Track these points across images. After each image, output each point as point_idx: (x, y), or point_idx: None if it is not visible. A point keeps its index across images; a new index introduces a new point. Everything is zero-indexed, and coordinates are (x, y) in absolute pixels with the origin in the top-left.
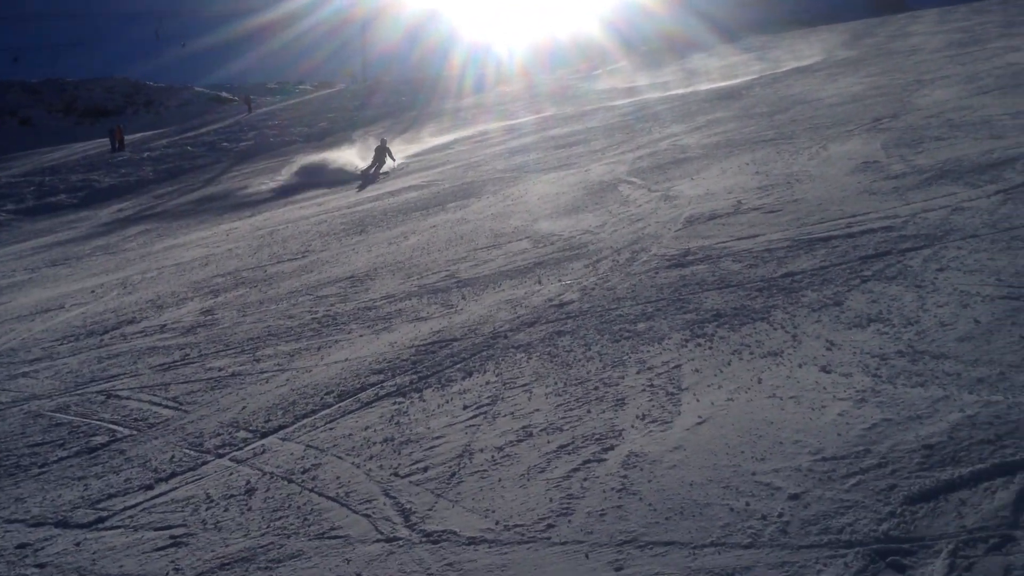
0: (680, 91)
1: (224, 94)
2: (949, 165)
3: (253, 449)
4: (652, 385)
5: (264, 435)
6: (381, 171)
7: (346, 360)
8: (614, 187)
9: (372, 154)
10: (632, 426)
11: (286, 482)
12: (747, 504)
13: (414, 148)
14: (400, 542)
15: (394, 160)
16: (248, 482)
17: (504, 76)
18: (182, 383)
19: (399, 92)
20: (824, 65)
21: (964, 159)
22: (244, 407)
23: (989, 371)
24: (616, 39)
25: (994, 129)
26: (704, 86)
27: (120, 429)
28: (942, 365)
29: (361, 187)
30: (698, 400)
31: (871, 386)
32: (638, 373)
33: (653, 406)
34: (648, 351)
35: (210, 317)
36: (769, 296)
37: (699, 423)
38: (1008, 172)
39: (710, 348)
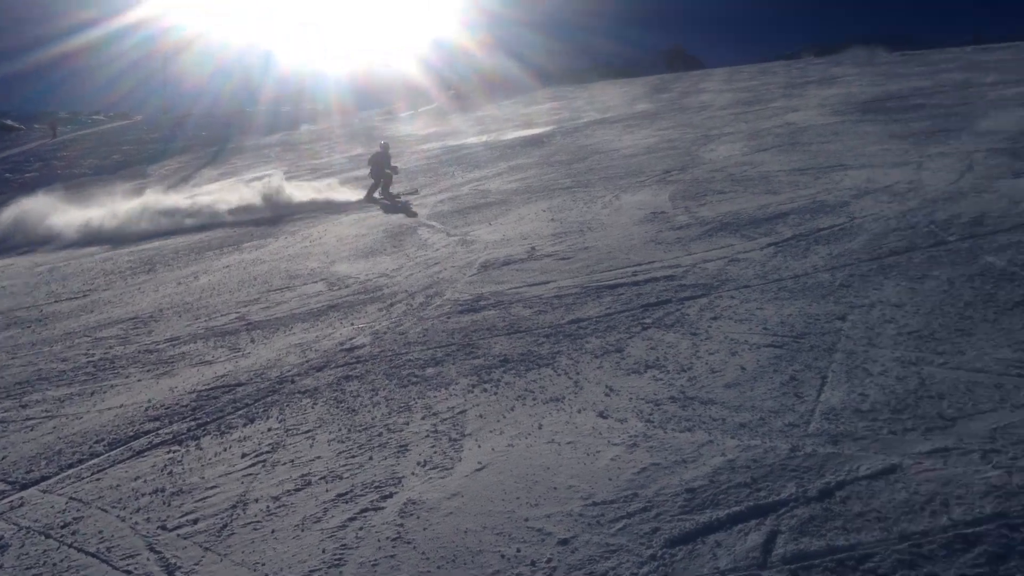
0: (486, 137)
1: (9, 122)
2: (729, 218)
3: (10, 502)
4: (436, 431)
5: (24, 487)
6: (390, 190)
7: (121, 406)
8: (414, 230)
9: (370, 169)
10: (413, 473)
11: (43, 537)
12: (518, 550)
13: (215, 186)
14: None
15: (395, 171)
16: (1, 538)
17: (316, 113)
18: None
19: (203, 127)
20: (622, 117)
21: (742, 212)
22: (4, 457)
23: (751, 416)
24: (434, 78)
25: (771, 185)
26: (510, 133)
27: None
28: (709, 411)
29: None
30: (479, 446)
31: (643, 431)
32: (423, 419)
33: (435, 452)
34: (435, 396)
35: None
36: (556, 342)
37: (478, 469)
38: (780, 226)
39: (495, 394)
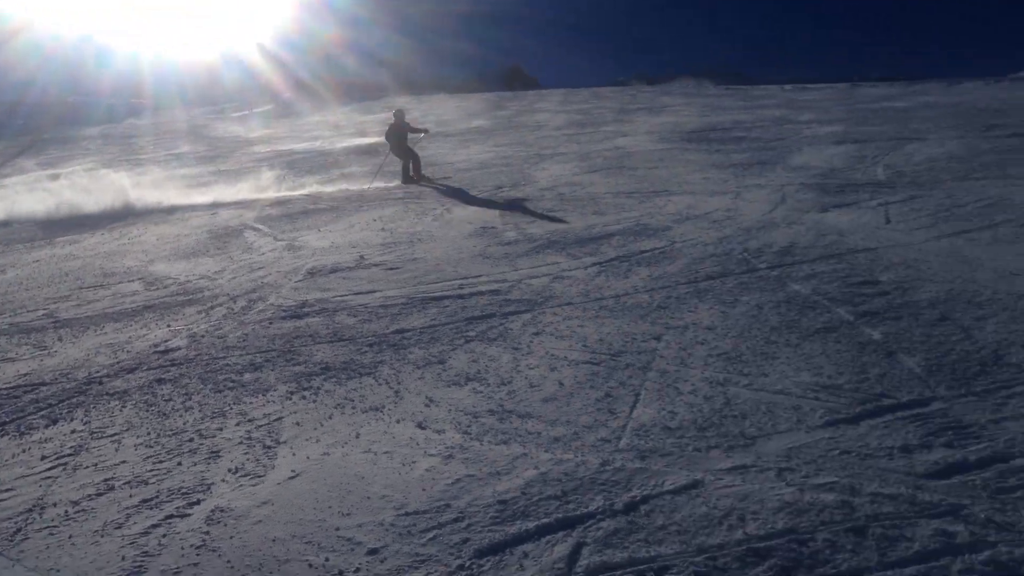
0: (319, 143)
1: None
2: (556, 236)
3: None
4: (250, 438)
5: None
6: (416, 166)
7: None
8: (240, 233)
9: (390, 146)
10: (223, 480)
11: None
12: (327, 559)
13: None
14: None
15: (425, 132)
16: None
17: (143, 108)
18: None
19: (24, 116)
20: (458, 131)
21: (569, 231)
22: None
23: (565, 431)
24: (274, 77)
25: (598, 206)
26: (345, 141)
27: None
28: (526, 424)
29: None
30: (294, 454)
31: (460, 443)
32: (237, 425)
33: (248, 459)
34: (251, 403)
35: None
36: (379, 351)
37: (292, 477)
38: (605, 246)
39: (314, 401)
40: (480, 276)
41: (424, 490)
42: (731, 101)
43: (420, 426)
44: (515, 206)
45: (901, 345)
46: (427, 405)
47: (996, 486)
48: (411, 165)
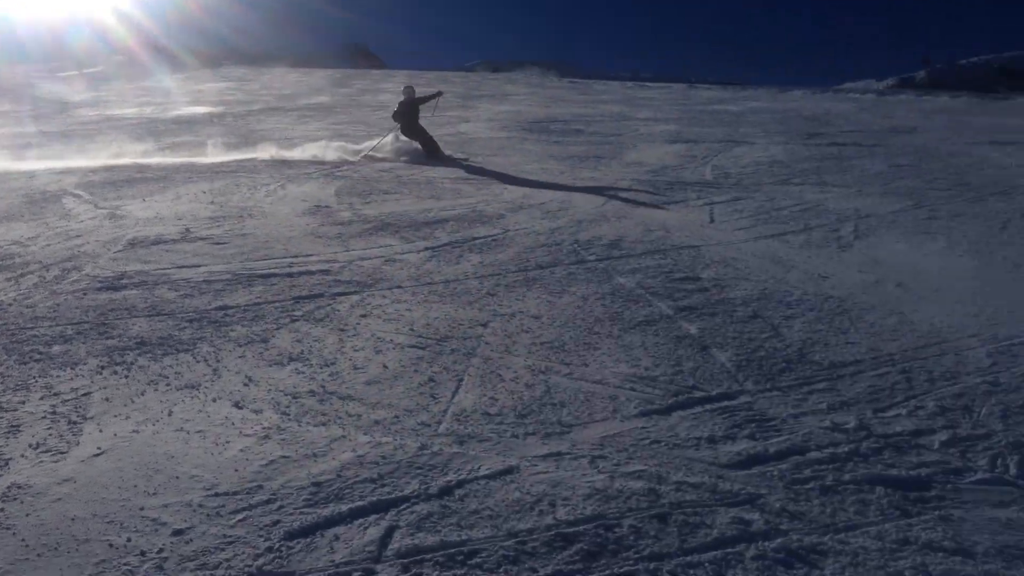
0: (151, 110)
1: None
2: (391, 218)
3: None
4: (55, 412)
5: None
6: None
7: None
8: (58, 199)
9: (401, 126)
10: (23, 455)
11: None
12: (128, 540)
13: None
14: None
15: (438, 95)
16: None
17: None
18: None
19: None
20: (299, 107)
21: (405, 214)
22: None
23: (386, 414)
24: (129, 37)
25: (435, 190)
26: (179, 108)
27: None
28: (347, 406)
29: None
30: (101, 430)
31: (278, 423)
32: (42, 399)
33: (51, 435)
34: (58, 376)
35: None
36: (199, 328)
37: (96, 455)
38: (439, 231)
39: (127, 377)
40: (311, 255)
41: (236, 471)
42: (574, 94)
43: (237, 405)
44: (352, 186)
45: (715, 340)
46: (246, 384)
47: (791, 477)
48: (430, 145)
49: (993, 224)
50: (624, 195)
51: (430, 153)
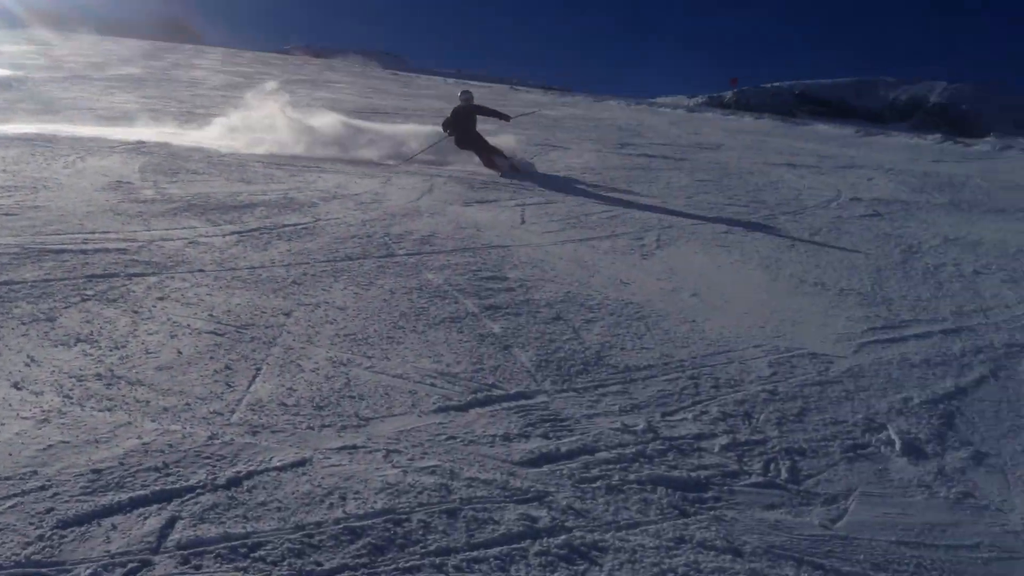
0: None
1: None
2: (198, 199)
3: None
4: None
5: None
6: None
7: None
8: None
9: (455, 138)
10: None
11: None
12: None
13: None
14: None
15: (507, 118)
16: None
17: None
18: None
19: None
20: (106, 77)
21: (213, 196)
22: None
23: (177, 401)
24: None
25: (246, 173)
26: None
27: None
28: (135, 391)
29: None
30: None
31: (59, 407)
32: None
33: None
34: None
35: None
36: None
37: None
38: (247, 216)
39: None
40: (108, 232)
41: (10, 455)
42: (396, 87)
43: (16, 386)
44: (158, 164)
45: (517, 340)
46: (27, 364)
47: (580, 476)
48: (496, 157)
49: (783, 242)
50: (439, 191)
51: (491, 165)
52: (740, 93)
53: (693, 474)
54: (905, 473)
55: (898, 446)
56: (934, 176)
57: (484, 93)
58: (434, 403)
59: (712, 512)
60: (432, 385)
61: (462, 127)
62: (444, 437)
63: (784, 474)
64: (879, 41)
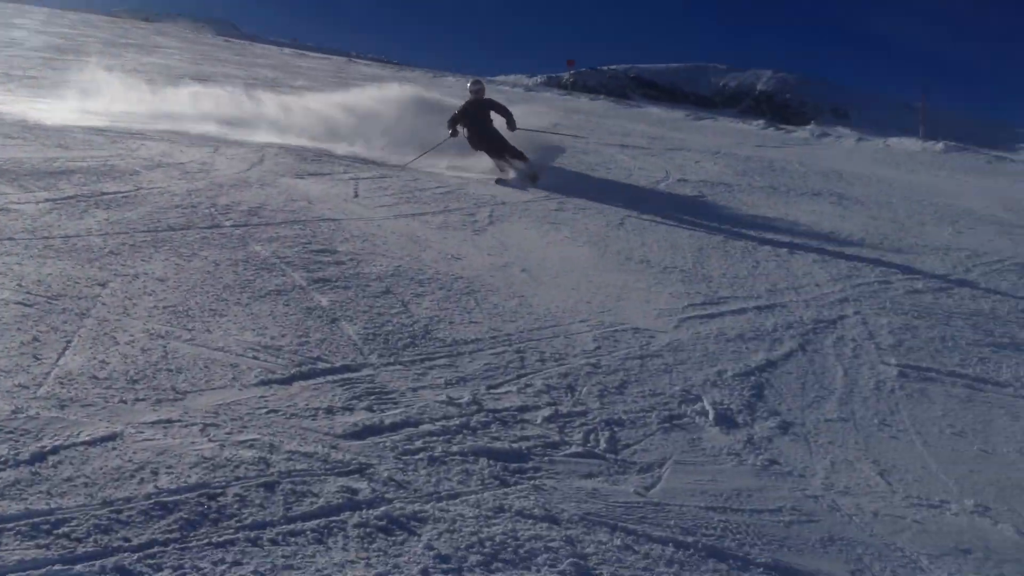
0: None
1: None
2: (9, 164)
3: None
4: None
5: None
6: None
7: None
8: None
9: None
10: None
11: None
12: None
13: None
14: None
15: (513, 125)
16: None
17: None
18: None
19: None
20: None
21: (27, 161)
22: None
23: None
24: None
25: (64, 139)
26: None
27: None
28: None
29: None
30: None
31: None
32: None
33: None
34: None
35: None
36: None
37: None
38: (63, 183)
39: None
40: None
41: None
42: (229, 54)
43: None
44: None
45: (345, 313)
46: None
47: (403, 448)
48: (516, 160)
49: (612, 220)
50: (270, 162)
51: (505, 170)
52: (578, 75)
53: (515, 445)
54: (717, 442)
55: (711, 416)
56: (756, 160)
57: (323, 65)
58: (256, 376)
59: (532, 482)
60: (255, 358)
61: (476, 124)
62: (265, 411)
63: (603, 444)
64: (711, 29)
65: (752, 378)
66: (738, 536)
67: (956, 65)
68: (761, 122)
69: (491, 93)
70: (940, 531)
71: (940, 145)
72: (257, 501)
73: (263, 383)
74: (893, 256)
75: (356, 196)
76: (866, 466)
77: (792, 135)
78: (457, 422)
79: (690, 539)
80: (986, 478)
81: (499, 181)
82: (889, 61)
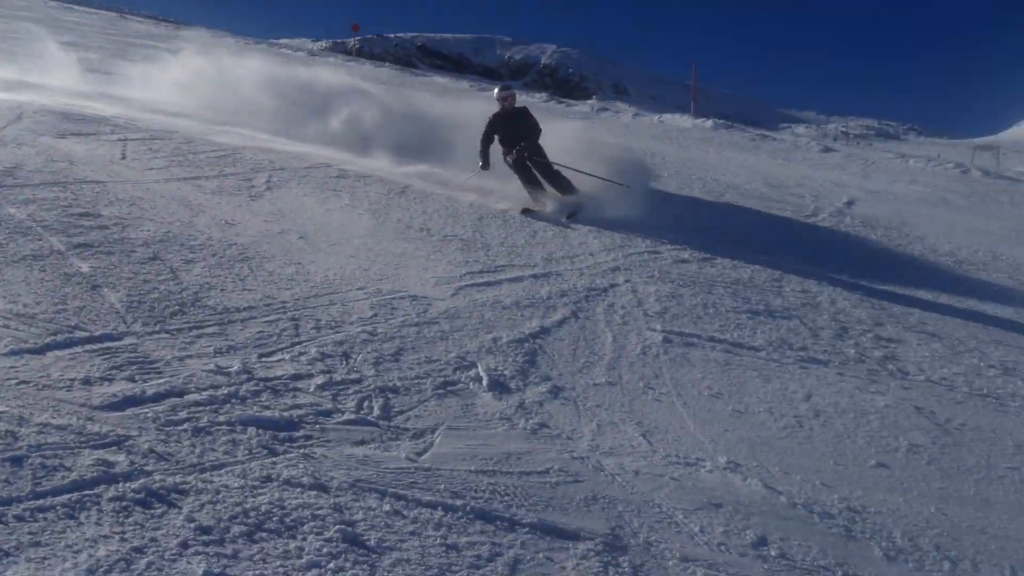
0: None
1: None
2: None
3: None
4: None
5: None
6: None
7: None
8: None
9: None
10: None
11: None
12: None
13: None
14: None
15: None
16: None
17: None
18: None
19: None
20: None
21: None
22: None
23: None
24: None
25: None
26: None
27: None
28: None
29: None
30: None
31: None
32: None
33: None
34: None
35: None
36: None
37: None
38: None
39: None
40: None
41: None
42: None
43: None
44: None
45: (108, 280)
46: None
47: (166, 419)
48: (556, 186)
49: (394, 188)
50: (30, 120)
51: (536, 199)
52: (364, 41)
53: (286, 414)
54: (489, 407)
55: (485, 382)
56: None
57: (92, 20)
58: (6, 346)
59: (302, 451)
60: (5, 326)
61: (512, 141)
62: (15, 382)
63: (376, 411)
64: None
65: (526, 345)
66: (506, 498)
67: (729, 47)
68: (544, 95)
69: (271, 56)
70: (695, 487)
71: (710, 122)
72: (2, 476)
73: (13, 353)
74: (664, 229)
75: (124, 158)
76: (630, 427)
77: (572, 108)
78: (226, 391)
79: (459, 502)
80: (738, 436)
81: (526, 212)
82: (668, 41)
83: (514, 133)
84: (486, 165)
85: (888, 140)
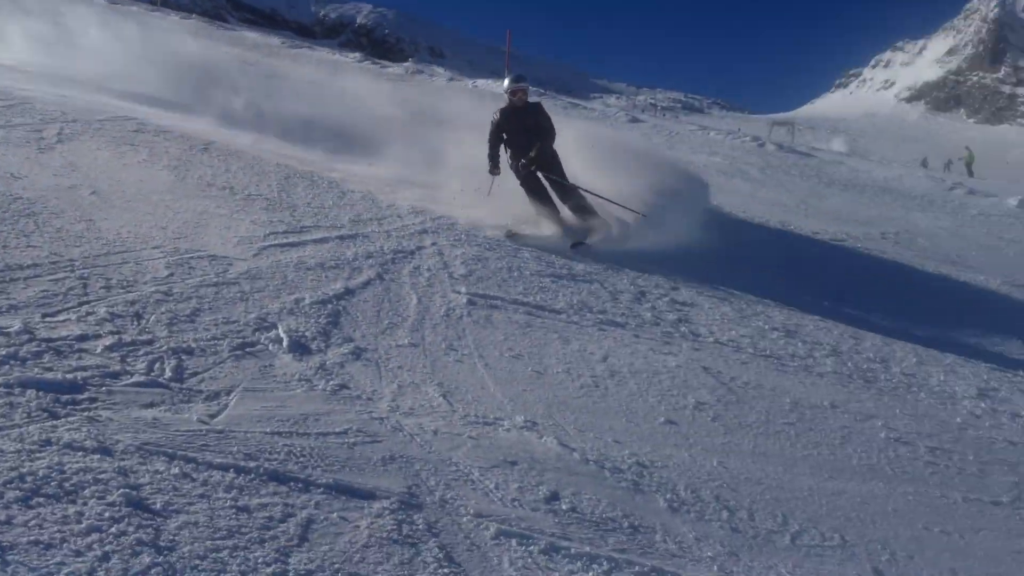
0: None
1: None
2: None
3: None
4: None
5: None
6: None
7: None
8: None
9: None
10: None
11: None
12: None
13: None
14: None
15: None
16: None
17: None
18: None
19: None
20: None
21: None
22: None
23: None
24: None
25: None
26: None
27: None
28: None
29: None
30: None
31: None
32: None
33: None
34: None
35: None
36: None
37: None
38: None
39: None
40: None
41: None
42: None
43: None
44: None
45: None
46: None
47: None
48: (577, 207)
49: (196, 144)
50: None
51: (556, 215)
52: None
53: (69, 376)
54: (289, 369)
55: (285, 344)
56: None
57: None
58: None
59: (86, 413)
60: None
61: (522, 145)
62: None
63: (168, 373)
64: None
65: (329, 306)
66: (301, 459)
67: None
68: (358, 55)
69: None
70: (492, 446)
71: None
72: None
73: None
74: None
75: None
76: (431, 388)
77: (386, 70)
78: (4, 352)
79: (252, 464)
80: (536, 396)
81: (512, 235)
82: (487, 8)
83: (524, 134)
84: (496, 169)
85: (693, 113)
